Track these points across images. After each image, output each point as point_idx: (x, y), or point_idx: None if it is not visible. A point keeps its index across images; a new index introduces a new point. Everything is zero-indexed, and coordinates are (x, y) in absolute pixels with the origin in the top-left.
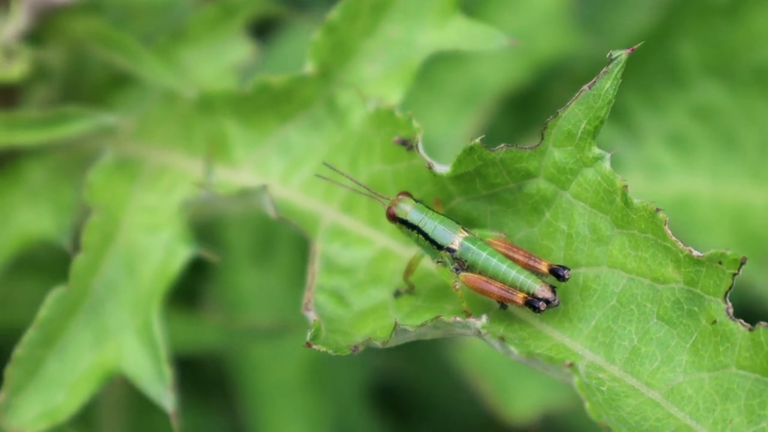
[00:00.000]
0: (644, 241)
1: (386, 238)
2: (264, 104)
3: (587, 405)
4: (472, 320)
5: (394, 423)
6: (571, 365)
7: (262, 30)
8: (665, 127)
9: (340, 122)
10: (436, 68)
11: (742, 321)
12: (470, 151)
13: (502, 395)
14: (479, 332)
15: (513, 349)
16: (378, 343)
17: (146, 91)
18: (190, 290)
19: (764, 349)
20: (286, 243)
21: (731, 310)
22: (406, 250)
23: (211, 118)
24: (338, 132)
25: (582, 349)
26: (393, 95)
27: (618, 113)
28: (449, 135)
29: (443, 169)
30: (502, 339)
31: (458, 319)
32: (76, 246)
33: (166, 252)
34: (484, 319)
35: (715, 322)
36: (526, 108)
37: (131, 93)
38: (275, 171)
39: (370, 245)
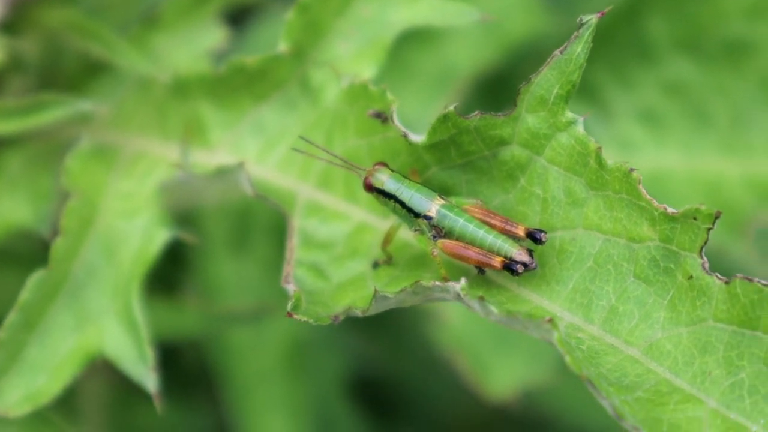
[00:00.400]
0: (619, 201)
1: (363, 212)
2: (239, 85)
3: (568, 359)
4: (451, 284)
5: (375, 408)
6: (551, 320)
7: (238, 18)
8: (636, 103)
9: (314, 101)
10: (408, 51)
11: (718, 275)
12: (444, 119)
13: (481, 372)
14: (458, 295)
15: (493, 308)
16: (358, 312)
17: (121, 79)
18: (168, 280)
19: (741, 301)
20: (263, 231)
21: (707, 265)
22: (382, 223)
23: (186, 102)
24: (312, 110)
25: (560, 310)
26: (366, 72)
27: (589, 91)
28: (422, 117)
29: (418, 138)
30: (481, 299)
31: (437, 283)
32: (56, 234)
33: (144, 236)
34: (463, 281)
35: (691, 277)
36: (499, 90)
37: (107, 81)
38: (251, 151)
39: (347, 220)
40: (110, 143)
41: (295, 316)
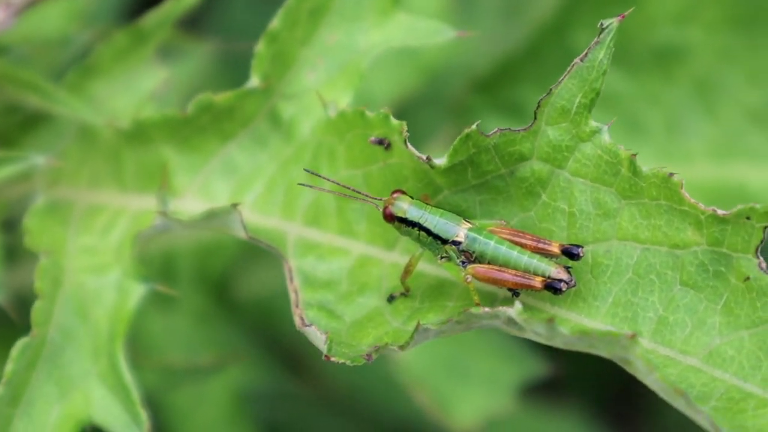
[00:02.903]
0: (656, 208)
1: (362, 245)
2: (204, 125)
3: (656, 375)
4: (502, 309)
5: None
6: (633, 336)
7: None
8: None
9: (287, 135)
10: None
11: None
12: (466, 138)
13: (443, 406)
14: (510, 320)
15: (563, 330)
16: (395, 348)
17: (59, 130)
18: None
19: None
20: (188, 282)
21: (764, 265)
22: (386, 255)
23: (144, 148)
24: (286, 145)
25: (603, 326)
26: (342, 100)
27: (518, 110)
28: None
29: (439, 161)
30: (551, 320)
31: (487, 309)
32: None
33: (118, 292)
34: (518, 305)
35: (747, 278)
36: (426, 111)
37: (42, 134)
38: (222, 194)
39: (347, 254)
40: (61, 198)
41: (332, 359)
